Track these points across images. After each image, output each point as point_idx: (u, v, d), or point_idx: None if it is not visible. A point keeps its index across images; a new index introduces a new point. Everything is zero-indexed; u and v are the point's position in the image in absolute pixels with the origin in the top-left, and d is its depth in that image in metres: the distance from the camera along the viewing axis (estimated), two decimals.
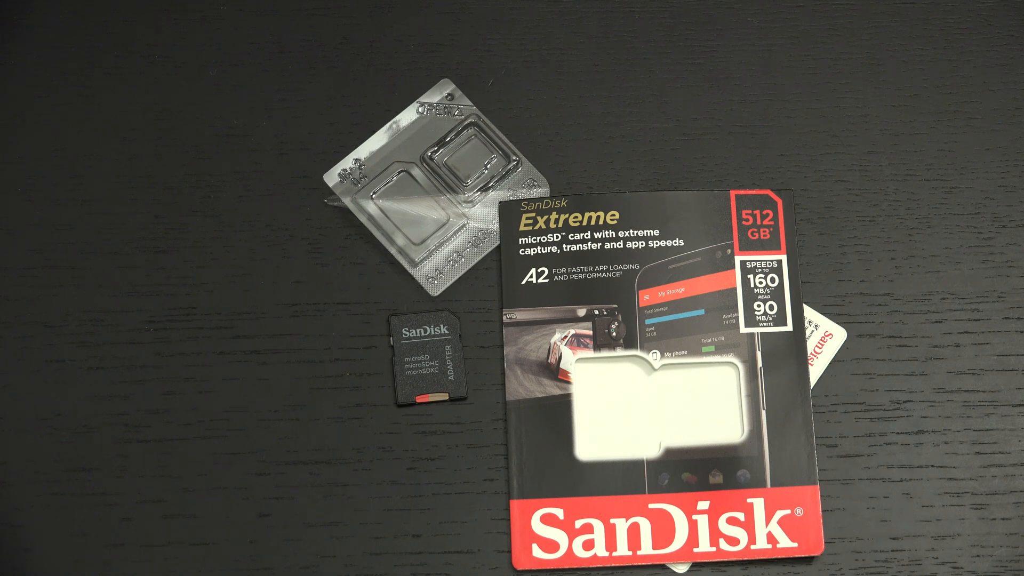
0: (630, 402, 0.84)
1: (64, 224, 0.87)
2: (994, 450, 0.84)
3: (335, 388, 0.85)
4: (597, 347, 0.84)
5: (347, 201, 0.86)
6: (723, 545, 0.81)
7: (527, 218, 0.86)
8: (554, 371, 0.84)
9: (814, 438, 0.83)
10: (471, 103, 0.88)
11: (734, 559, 0.82)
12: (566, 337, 0.84)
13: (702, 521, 0.82)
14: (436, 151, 0.87)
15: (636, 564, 0.82)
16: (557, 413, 0.83)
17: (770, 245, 0.85)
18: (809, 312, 0.85)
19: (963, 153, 0.88)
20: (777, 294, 0.85)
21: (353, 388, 0.85)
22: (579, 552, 0.82)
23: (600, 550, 0.82)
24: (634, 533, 0.82)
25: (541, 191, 0.87)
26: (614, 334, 0.84)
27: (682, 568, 0.82)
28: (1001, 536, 0.82)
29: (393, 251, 0.86)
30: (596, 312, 0.85)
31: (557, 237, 0.86)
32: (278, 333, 0.85)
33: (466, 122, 0.87)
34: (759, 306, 0.84)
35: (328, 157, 0.88)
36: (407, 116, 0.88)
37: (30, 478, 0.83)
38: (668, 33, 0.90)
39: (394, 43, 0.90)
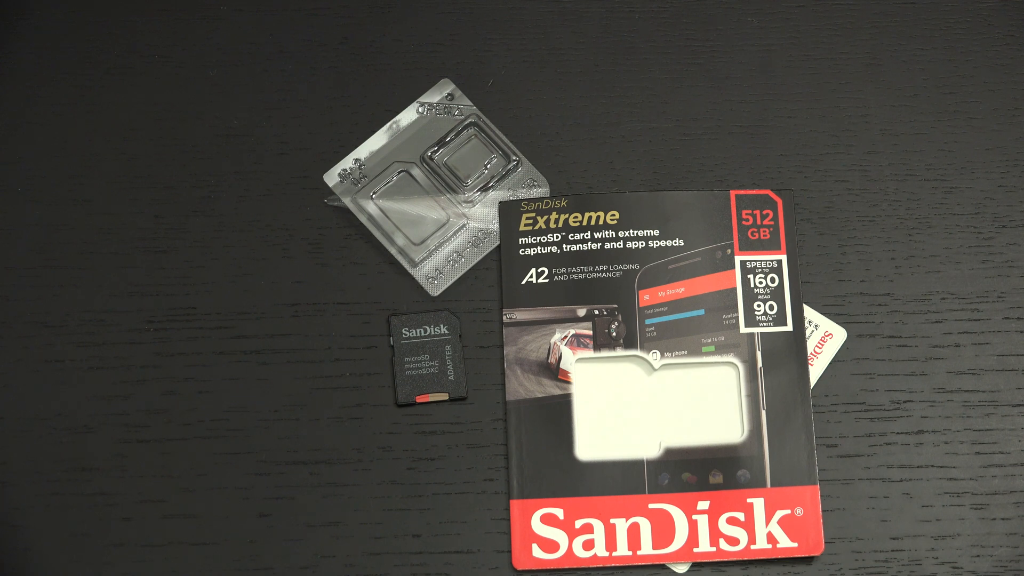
0: (630, 402, 0.84)
1: (64, 224, 0.87)
2: (994, 450, 0.84)
3: (335, 388, 0.85)
4: (597, 347, 0.84)
5: (347, 201, 0.86)
6: (723, 545, 0.81)
7: (527, 218, 0.86)
8: (554, 371, 0.84)
9: (814, 438, 0.83)
10: (471, 103, 0.88)
11: (734, 559, 0.82)
12: (566, 337, 0.84)
13: (702, 521, 0.82)
14: (436, 151, 0.87)
15: (636, 564, 0.82)
16: (557, 413, 0.83)
17: (770, 245, 0.85)
18: (809, 312, 0.85)
19: (963, 153, 0.88)
20: (777, 294, 0.85)
21: (353, 388, 0.85)
22: (579, 552, 0.82)
23: (600, 550, 0.82)
24: (634, 533, 0.82)
25: (541, 191, 0.87)
26: (614, 334, 0.84)
27: (682, 568, 0.82)
28: (1001, 536, 0.82)
29: (393, 251, 0.86)
30: (596, 312, 0.85)
31: (557, 237, 0.86)
32: (278, 333, 0.85)
33: (466, 122, 0.87)
34: (759, 306, 0.84)
35: (328, 157, 0.88)
36: (407, 116, 0.88)
37: (30, 478, 0.83)
38: (668, 33, 0.90)
39: (394, 43, 0.90)
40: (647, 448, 0.83)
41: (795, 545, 0.82)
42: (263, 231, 0.87)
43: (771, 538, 0.81)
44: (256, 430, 0.84)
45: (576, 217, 0.86)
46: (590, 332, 0.85)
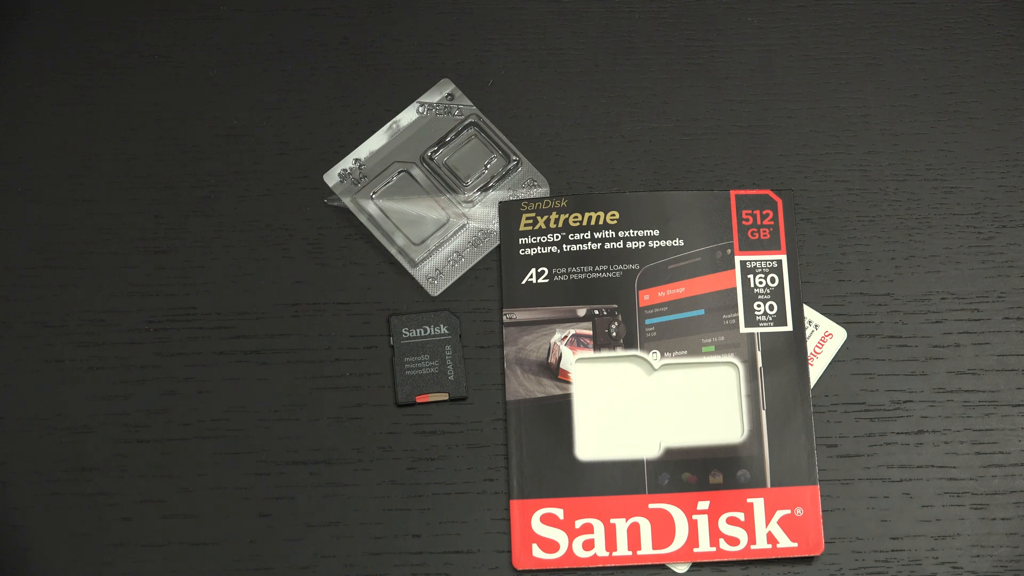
0: (630, 402, 0.84)
1: (64, 224, 0.87)
2: (994, 450, 0.84)
3: (335, 388, 0.85)
4: (597, 347, 0.84)
5: (347, 201, 0.86)
6: (723, 545, 0.81)
7: (527, 218, 0.86)
8: (554, 371, 0.84)
9: (814, 438, 0.83)
10: (471, 103, 0.88)
11: (734, 559, 0.82)
12: (566, 337, 0.84)
13: (702, 521, 0.82)
14: (436, 151, 0.87)
15: (636, 564, 0.82)
16: (557, 413, 0.83)
17: (770, 245, 0.85)
18: (809, 312, 0.85)
19: (963, 153, 0.88)
20: (777, 294, 0.85)
21: (353, 388, 0.85)
22: (579, 552, 0.82)
23: (600, 550, 0.82)
24: (634, 533, 0.82)
25: (541, 191, 0.87)
26: (614, 334, 0.84)
27: (682, 568, 0.82)
28: (1001, 536, 0.82)
29: (393, 251, 0.86)
30: (596, 312, 0.85)
31: (557, 237, 0.86)
32: (278, 333, 0.85)
33: (466, 122, 0.87)
34: (759, 306, 0.84)
35: (328, 157, 0.88)
36: (407, 116, 0.88)
37: (30, 478, 0.83)
38: (668, 33, 0.90)
39: (394, 43, 0.90)
40: (647, 448, 0.83)
41: (795, 545, 0.82)
42: (263, 231, 0.87)
43: (771, 538, 0.81)
44: (256, 430, 0.84)
45: (576, 217, 0.86)
46: (590, 332, 0.85)
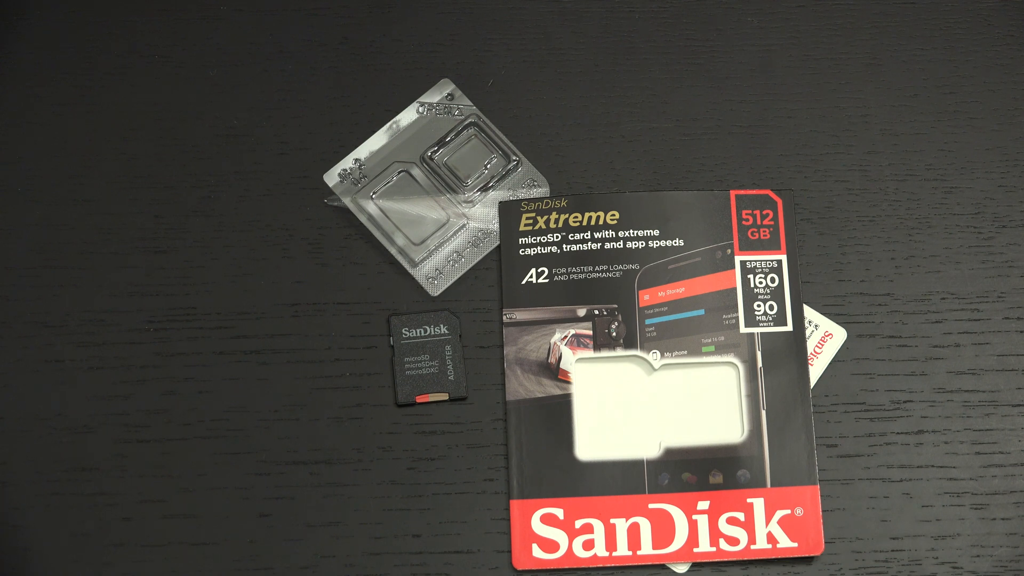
0: (630, 402, 0.84)
1: (64, 224, 0.87)
2: (994, 450, 0.84)
3: (335, 388, 0.85)
4: (597, 347, 0.84)
5: (347, 201, 0.86)
6: (723, 545, 0.81)
7: (527, 218, 0.86)
8: (554, 371, 0.84)
9: (814, 438, 0.83)
10: (471, 103, 0.88)
11: (734, 559, 0.82)
12: (566, 337, 0.84)
13: (702, 521, 0.82)
14: (436, 151, 0.87)
15: (636, 564, 0.82)
16: (557, 413, 0.83)
17: (770, 245, 0.85)
18: (809, 312, 0.85)
19: (963, 153, 0.88)
20: (777, 294, 0.85)
21: (353, 388, 0.85)
22: (579, 552, 0.82)
23: (600, 550, 0.82)
24: (634, 533, 0.82)
25: (541, 191, 0.87)
26: (614, 334, 0.84)
27: (682, 568, 0.82)
28: (1001, 536, 0.82)
29: (393, 251, 0.86)
30: (596, 312, 0.85)
31: (557, 237, 0.86)
32: (278, 333, 0.85)
33: (466, 122, 0.87)
34: (759, 306, 0.84)
35: (328, 157, 0.88)
36: (407, 116, 0.88)
37: (30, 478, 0.83)
38: (668, 33, 0.90)
39: (394, 43, 0.90)
40: (647, 448, 0.83)
41: (795, 545, 0.82)
42: (263, 231, 0.87)
43: (771, 538, 0.82)
44: (256, 430, 0.84)
45: (576, 217, 0.86)
46: (590, 332, 0.84)
